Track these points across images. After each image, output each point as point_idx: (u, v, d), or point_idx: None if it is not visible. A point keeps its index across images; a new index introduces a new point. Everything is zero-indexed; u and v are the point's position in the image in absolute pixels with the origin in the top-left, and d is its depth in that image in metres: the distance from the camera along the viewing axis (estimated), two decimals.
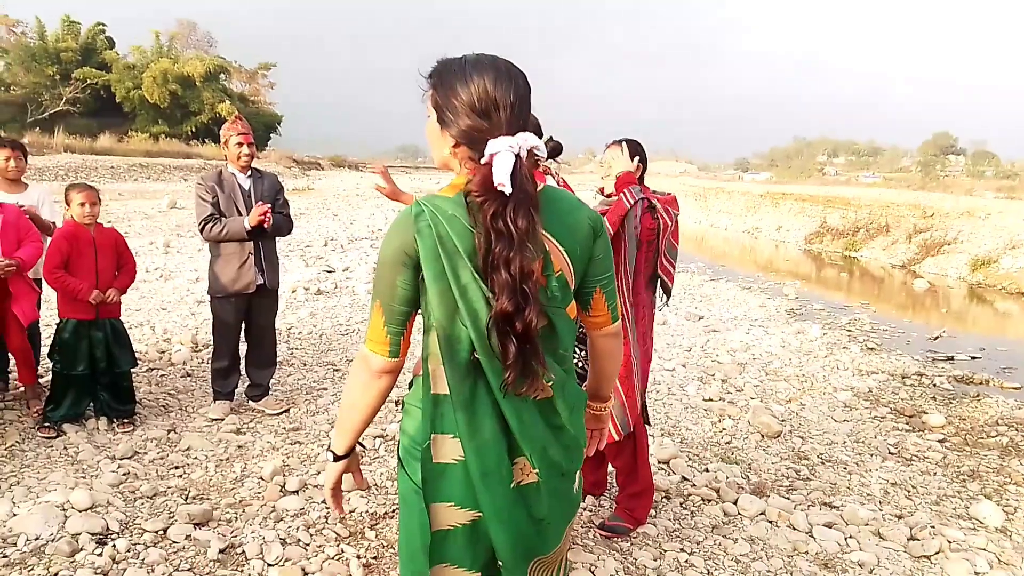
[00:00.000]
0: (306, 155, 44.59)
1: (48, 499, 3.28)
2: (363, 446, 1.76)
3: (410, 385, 1.69)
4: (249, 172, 4.47)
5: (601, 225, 1.63)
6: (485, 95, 1.46)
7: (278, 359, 4.99)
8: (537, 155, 1.51)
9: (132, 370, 4.46)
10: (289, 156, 41.38)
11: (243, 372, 4.80)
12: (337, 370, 5.68)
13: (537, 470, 1.52)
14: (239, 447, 4.09)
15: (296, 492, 3.54)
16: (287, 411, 4.68)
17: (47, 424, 4.11)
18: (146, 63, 40.41)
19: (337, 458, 1.69)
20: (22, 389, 4.51)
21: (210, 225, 4.32)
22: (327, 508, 3.41)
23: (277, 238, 4.62)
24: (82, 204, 4.13)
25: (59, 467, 3.70)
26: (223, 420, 4.44)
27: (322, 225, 15.94)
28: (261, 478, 3.70)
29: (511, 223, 1.40)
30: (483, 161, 1.45)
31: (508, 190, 1.40)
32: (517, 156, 1.43)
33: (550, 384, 1.51)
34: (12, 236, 4.06)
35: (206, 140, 37.84)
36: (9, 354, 4.54)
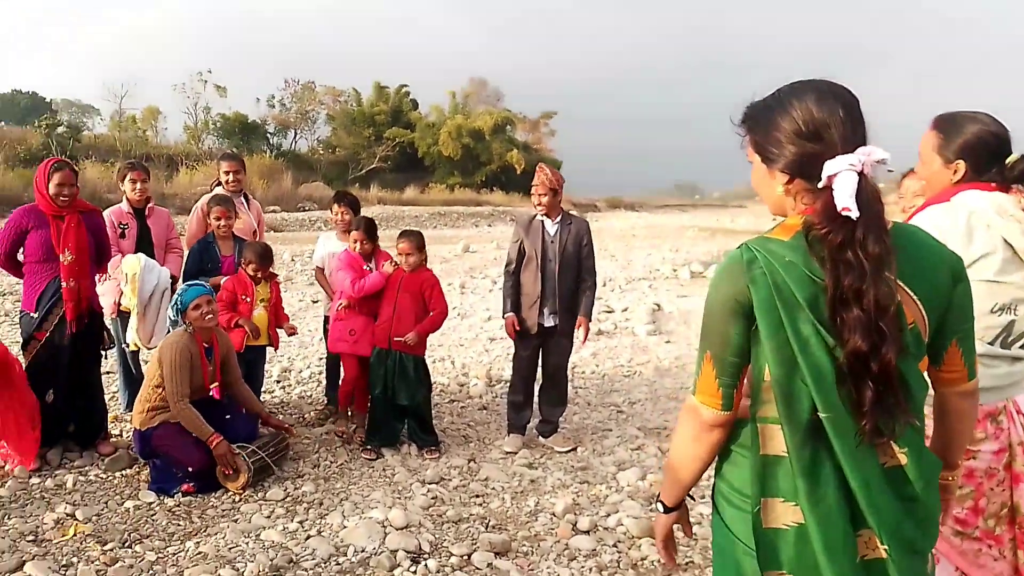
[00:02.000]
0: (584, 198, 46.22)
1: (371, 515, 3.64)
2: (692, 498, 1.71)
3: (734, 428, 1.59)
4: (558, 217, 4.67)
5: (962, 268, 1.42)
6: (810, 117, 1.36)
7: None
8: (886, 168, 1.36)
9: (436, 400, 4.83)
10: (568, 199, 43.19)
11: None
12: (620, 412, 5.68)
13: (886, 547, 1.35)
14: (532, 481, 4.23)
15: (588, 532, 3.56)
16: (575, 449, 4.76)
17: (369, 447, 4.60)
18: (443, 120, 44.91)
19: (667, 510, 1.65)
20: (350, 414, 5.10)
21: (507, 270, 4.75)
22: (618, 552, 3.38)
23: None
24: (400, 254, 4.61)
25: (379, 487, 4.11)
26: (516, 454, 4.64)
27: (600, 266, 16.21)
28: (553, 514, 3.78)
29: (860, 251, 1.27)
30: (820, 185, 1.34)
31: (854, 214, 1.27)
32: (860, 174, 1.30)
33: (903, 452, 1.34)
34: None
35: (494, 188, 40.92)
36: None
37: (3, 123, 40.11)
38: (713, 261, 16.73)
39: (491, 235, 24.01)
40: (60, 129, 28.84)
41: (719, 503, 1.56)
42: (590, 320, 4.77)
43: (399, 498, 3.93)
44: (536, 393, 4.94)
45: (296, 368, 6.70)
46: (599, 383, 6.52)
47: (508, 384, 5.49)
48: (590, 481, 4.25)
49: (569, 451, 4.73)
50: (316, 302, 10.23)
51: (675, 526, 1.70)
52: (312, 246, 14.96)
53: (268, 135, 44.05)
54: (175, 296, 4.08)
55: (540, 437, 4.88)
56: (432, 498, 3.94)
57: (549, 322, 4.64)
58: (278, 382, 6.23)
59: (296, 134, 45.67)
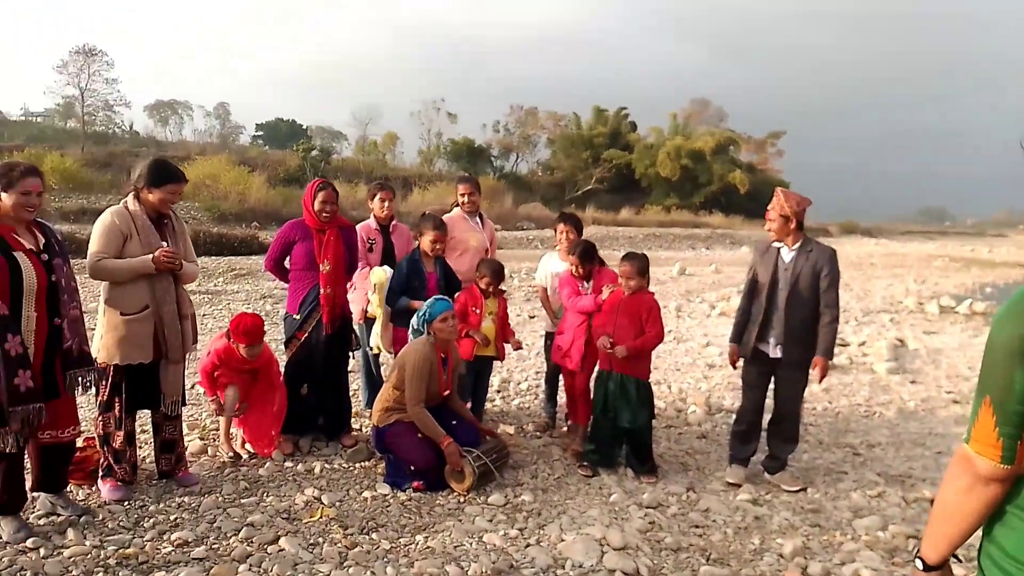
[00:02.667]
0: (814, 222, 43.52)
1: (588, 532, 3.63)
2: (958, 558, 1.52)
3: (1014, 485, 1.40)
4: (797, 244, 4.38)
5: None
6: None
7: None
8: None
9: (655, 424, 4.74)
10: None
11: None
12: (857, 454, 5.23)
13: None
14: (756, 518, 4.01)
15: None
16: (804, 490, 4.44)
17: (585, 464, 4.61)
18: (662, 142, 44.56)
19: (927, 568, 1.49)
20: (565, 429, 5.16)
21: (741, 296, 4.53)
22: None
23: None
24: (623, 276, 4.60)
25: (595, 504, 4.09)
26: (739, 487, 4.42)
27: None
28: (781, 555, 3.55)
29: None
30: None
31: None
32: None
33: None
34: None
35: (713, 209, 39.85)
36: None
37: (268, 147, 45.72)
38: (967, 296, 14.99)
39: (709, 258, 23.35)
40: (314, 153, 32.32)
41: (987, 568, 1.39)
42: (829, 359, 4.33)
43: (616, 518, 3.89)
44: (764, 426, 4.68)
45: (515, 380, 6.90)
46: (832, 421, 6.05)
47: (729, 413, 5.26)
48: (822, 525, 3.95)
49: (798, 491, 4.42)
50: (533, 317, 10.51)
51: None
52: (529, 264, 15.46)
53: (492, 158, 46.36)
54: (423, 307, 4.37)
55: (766, 473, 4.61)
56: (649, 523, 3.86)
57: (776, 352, 4.38)
58: (498, 392, 6.45)
59: (517, 157, 47.64)
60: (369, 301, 5.08)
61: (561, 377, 5.22)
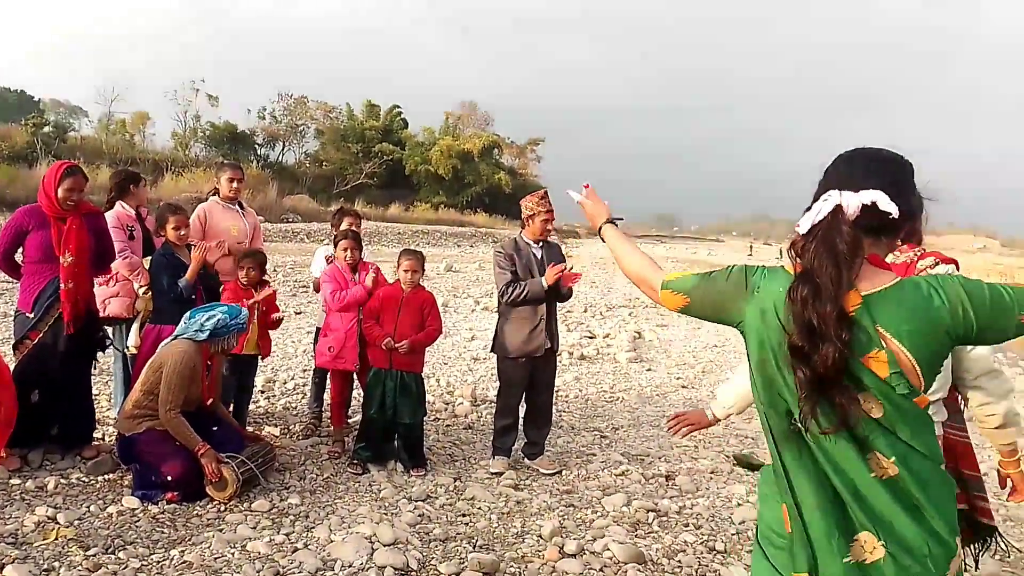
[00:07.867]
0: (564, 224, 46.33)
1: (358, 531, 3.64)
2: None
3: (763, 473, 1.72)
4: (541, 243, 4.78)
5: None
6: None
7: None
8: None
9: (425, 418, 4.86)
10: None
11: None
12: (604, 437, 5.73)
13: (884, 544, 1.47)
14: (518, 503, 4.26)
15: (575, 556, 3.59)
16: (559, 472, 4.79)
17: (356, 461, 4.60)
18: (433, 140, 45.08)
19: None
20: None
21: (511, 289, 4.63)
22: None
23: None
24: (407, 271, 4.66)
25: (365, 502, 4.11)
26: (502, 474, 4.66)
27: (580, 291, 16.40)
28: (540, 536, 3.80)
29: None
30: None
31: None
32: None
33: (892, 461, 1.47)
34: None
35: (478, 209, 41.10)
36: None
37: None
38: None
39: (473, 256, 24.09)
40: (46, 129, 28.63)
41: (761, 540, 1.68)
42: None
43: (386, 514, 3.94)
44: (521, 415, 4.97)
45: (280, 380, 6.68)
46: (582, 407, 6.57)
47: (493, 403, 5.53)
48: (575, 505, 4.29)
49: (554, 474, 4.76)
50: (300, 313, 10.23)
51: None
52: (294, 257, 14.97)
53: (256, 146, 43.93)
54: (228, 310, 4.16)
55: (526, 459, 4.91)
56: (419, 515, 3.95)
57: (548, 343, 4.70)
58: (262, 392, 6.21)
59: (284, 146, 45.60)
60: (138, 295, 4.68)
61: (329, 379, 5.15)
